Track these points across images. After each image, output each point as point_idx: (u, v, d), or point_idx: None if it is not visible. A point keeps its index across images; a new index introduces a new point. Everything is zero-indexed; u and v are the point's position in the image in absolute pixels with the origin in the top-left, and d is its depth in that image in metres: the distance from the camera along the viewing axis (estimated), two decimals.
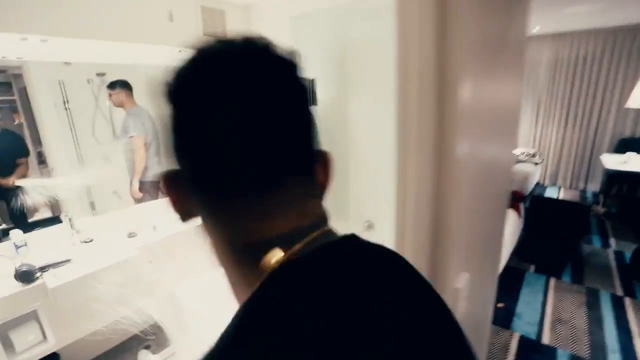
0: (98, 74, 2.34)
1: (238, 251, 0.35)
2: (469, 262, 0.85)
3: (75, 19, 1.46)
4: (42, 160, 2.06)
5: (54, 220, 1.99)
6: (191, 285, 2.09)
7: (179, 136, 0.34)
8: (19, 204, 1.85)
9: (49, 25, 1.37)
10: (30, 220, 1.94)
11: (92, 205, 2.31)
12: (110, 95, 2.33)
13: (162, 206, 2.33)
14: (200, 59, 0.33)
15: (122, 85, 2.37)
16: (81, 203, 2.24)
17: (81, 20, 1.46)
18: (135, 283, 1.77)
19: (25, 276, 1.43)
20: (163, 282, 1.98)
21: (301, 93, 0.35)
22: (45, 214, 2.03)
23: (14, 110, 1.90)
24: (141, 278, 1.77)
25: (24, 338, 1.44)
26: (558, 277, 2.81)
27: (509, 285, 2.71)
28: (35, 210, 1.96)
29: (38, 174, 1.98)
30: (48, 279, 1.48)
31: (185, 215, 0.40)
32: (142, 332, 2.14)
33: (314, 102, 1.39)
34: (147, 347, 2.03)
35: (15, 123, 1.92)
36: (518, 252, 3.09)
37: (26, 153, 1.93)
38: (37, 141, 1.99)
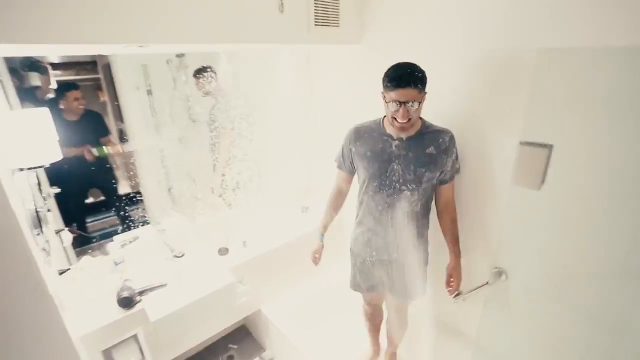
0: (177, 55, 2.14)
1: None
2: None
3: (175, 26, 1.19)
4: (123, 138, 2.01)
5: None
6: (276, 303, 2.02)
7: None
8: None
9: (149, 35, 1.13)
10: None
11: (172, 200, 2.24)
12: (197, 82, 2.15)
13: (247, 213, 2.20)
14: None
15: (208, 71, 2.16)
16: (160, 194, 2.18)
17: (181, 27, 1.19)
18: (227, 304, 1.70)
19: (127, 302, 1.37)
20: (252, 300, 1.91)
21: None
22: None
23: (99, 88, 1.91)
24: (234, 301, 1.69)
25: (126, 358, 1.44)
26: None
27: None
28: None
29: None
30: (147, 307, 1.41)
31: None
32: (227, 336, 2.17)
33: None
34: (230, 358, 2.04)
35: (100, 101, 1.94)
36: None
37: (107, 132, 1.95)
38: (119, 118, 1.96)
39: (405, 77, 1.14)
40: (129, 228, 1.89)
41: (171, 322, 1.42)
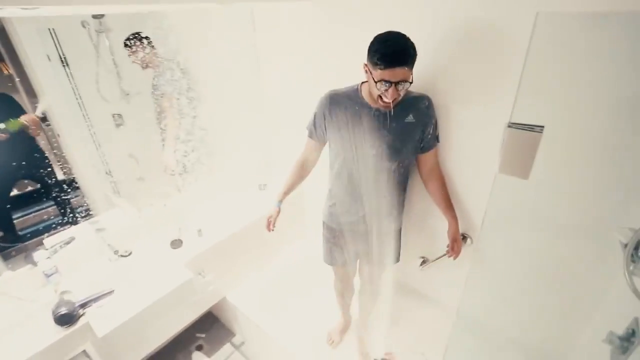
0: (94, 16, 1.80)
1: None
2: None
3: None
4: (43, 118, 1.73)
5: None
6: (241, 290, 1.93)
7: None
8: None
9: None
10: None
11: (115, 189, 2.00)
12: (130, 53, 1.84)
13: (201, 196, 2.02)
14: None
15: (142, 40, 1.85)
16: (99, 179, 1.94)
17: None
18: (188, 301, 1.58)
19: (66, 319, 1.20)
20: (214, 290, 1.80)
21: None
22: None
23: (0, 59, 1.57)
24: (195, 295, 1.57)
25: None
26: None
27: None
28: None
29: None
30: (93, 321, 1.25)
31: None
32: (193, 325, 2.06)
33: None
34: (199, 348, 1.96)
35: (5, 74, 1.61)
36: None
37: (21, 112, 1.65)
38: (32, 94, 1.67)
39: (399, 56, 1.01)
40: (67, 222, 1.68)
41: (124, 332, 1.28)
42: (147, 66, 1.93)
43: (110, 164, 1.97)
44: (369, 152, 1.26)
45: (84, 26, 1.77)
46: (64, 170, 1.84)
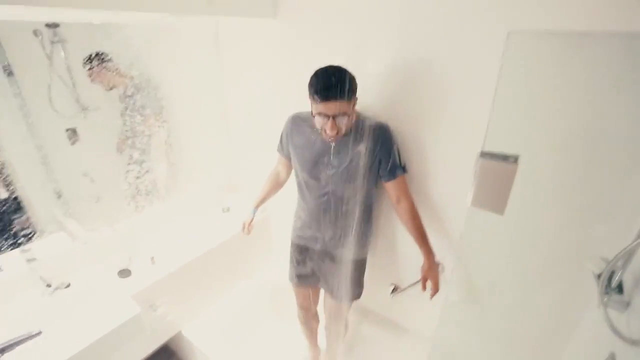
0: (48, 25, 1.68)
1: None
2: None
3: None
4: None
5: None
6: (198, 323, 1.76)
7: None
8: None
9: None
10: None
11: (67, 213, 1.81)
12: (90, 73, 1.74)
13: (156, 220, 1.86)
14: None
15: (103, 60, 1.76)
16: (48, 210, 1.76)
17: None
18: (135, 338, 1.40)
19: None
20: (168, 324, 1.63)
21: None
22: None
23: None
24: (141, 332, 1.39)
25: None
26: None
27: None
28: None
29: None
30: None
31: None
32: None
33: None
34: None
35: None
36: None
37: None
38: None
39: (333, 90, 1.02)
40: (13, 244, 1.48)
41: None
42: (112, 87, 1.83)
43: (62, 183, 1.80)
44: (320, 176, 1.27)
45: (36, 35, 1.65)
46: (8, 187, 1.66)
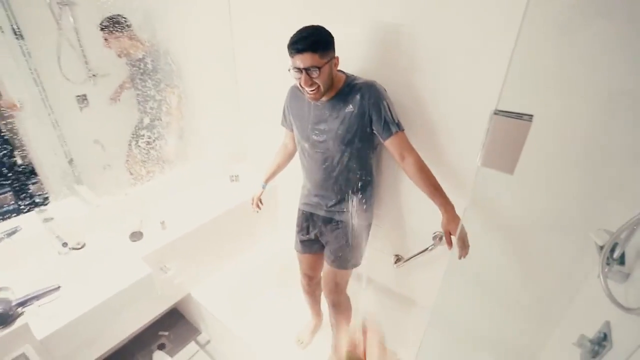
0: None
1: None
2: None
3: None
4: None
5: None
6: (207, 286, 1.83)
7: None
8: None
9: None
10: None
11: (78, 180, 1.85)
12: (106, 39, 1.71)
13: (166, 186, 1.90)
14: None
15: (120, 25, 1.73)
16: (61, 176, 1.80)
17: None
18: (146, 298, 1.47)
19: (1, 319, 1.09)
20: (177, 286, 1.70)
21: None
22: None
23: None
24: (154, 292, 1.46)
25: None
26: None
27: None
28: None
29: None
30: (32, 320, 1.13)
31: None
32: (157, 322, 1.96)
33: None
34: (161, 347, 1.85)
35: None
36: None
37: None
38: None
39: (301, 42, 1.07)
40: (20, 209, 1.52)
41: (69, 333, 1.16)
42: (126, 54, 1.81)
43: (73, 150, 1.83)
44: (316, 141, 1.31)
45: None
46: (22, 154, 1.70)
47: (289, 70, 1.14)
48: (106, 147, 1.96)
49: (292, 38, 1.10)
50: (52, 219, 1.32)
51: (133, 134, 1.93)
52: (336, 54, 1.16)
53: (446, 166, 1.32)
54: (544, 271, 1.20)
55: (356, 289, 1.83)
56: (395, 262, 1.66)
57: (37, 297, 1.17)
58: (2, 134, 1.56)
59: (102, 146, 1.96)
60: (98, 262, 1.41)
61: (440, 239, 1.46)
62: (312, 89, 1.14)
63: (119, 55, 1.82)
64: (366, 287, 1.87)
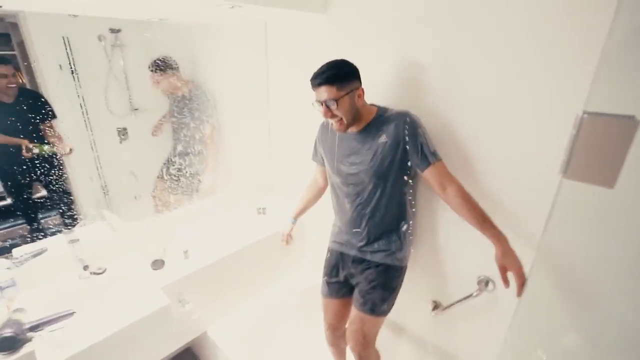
0: (112, 30, 1.81)
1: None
2: None
3: None
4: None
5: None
6: (225, 325, 1.71)
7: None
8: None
9: None
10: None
11: (109, 206, 1.89)
12: (155, 79, 1.84)
13: (192, 216, 1.88)
14: None
15: (170, 67, 1.88)
16: (94, 202, 1.84)
17: None
18: (160, 332, 1.38)
19: (8, 344, 1.00)
20: (194, 322, 1.60)
21: None
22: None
23: (16, 67, 1.55)
24: (170, 326, 1.37)
25: None
26: None
27: None
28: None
29: None
30: (42, 345, 1.05)
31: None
32: None
33: None
34: None
35: (20, 83, 1.57)
36: None
37: (51, 116, 1.59)
38: None
39: (319, 76, 1.12)
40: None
41: None
42: (172, 93, 1.94)
43: (108, 179, 1.89)
44: (348, 175, 1.27)
45: (100, 40, 1.79)
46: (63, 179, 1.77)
47: (312, 104, 1.17)
48: (139, 178, 2.02)
49: (313, 73, 1.14)
50: (77, 240, 1.30)
51: (165, 162, 1.98)
52: (362, 86, 1.17)
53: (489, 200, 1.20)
54: None
55: (387, 341, 1.64)
56: (433, 309, 1.48)
57: (49, 322, 1.12)
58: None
59: (135, 177, 2.02)
60: (116, 289, 1.35)
61: (487, 284, 1.30)
62: (335, 120, 1.16)
63: (165, 94, 1.93)
64: (399, 338, 1.67)
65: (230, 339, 1.62)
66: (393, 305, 1.36)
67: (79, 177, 1.77)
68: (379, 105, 1.25)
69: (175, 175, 1.90)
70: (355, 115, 1.17)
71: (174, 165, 1.89)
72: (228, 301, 1.73)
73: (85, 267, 1.31)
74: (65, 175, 1.67)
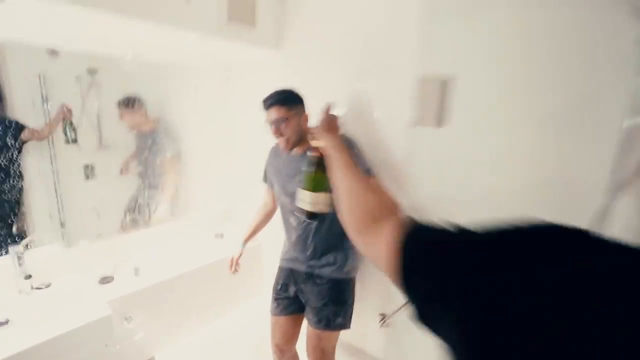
0: (89, 71, 1.96)
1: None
2: None
3: None
4: None
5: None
6: (173, 351, 1.64)
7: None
8: None
9: None
10: None
11: (62, 233, 1.86)
12: (122, 114, 1.96)
13: (146, 239, 1.89)
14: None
15: (137, 103, 2.03)
16: (49, 225, 1.82)
17: None
18: (106, 351, 1.32)
19: None
20: (142, 345, 1.52)
21: None
22: None
23: None
24: (114, 344, 1.31)
25: None
26: None
27: None
28: None
29: None
30: None
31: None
32: None
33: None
34: None
35: None
36: None
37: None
38: None
39: (269, 99, 1.27)
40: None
41: None
42: (137, 129, 2.06)
43: (68, 215, 1.89)
44: (294, 193, 1.32)
45: (77, 80, 1.94)
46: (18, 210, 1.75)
47: (264, 123, 1.31)
48: (102, 216, 2.02)
49: (265, 97, 1.30)
50: (23, 253, 1.29)
51: (130, 201, 2.03)
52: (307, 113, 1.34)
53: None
54: None
55: None
56: (380, 322, 1.51)
57: None
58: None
59: (98, 215, 2.02)
60: (60, 302, 1.32)
61: None
62: (282, 138, 1.29)
63: (132, 129, 2.05)
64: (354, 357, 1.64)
65: None
66: (350, 317, 1.40)
67: (38, 212, 1.77)
68: None
69: (139, 209, 1.94)
70: (301, 137, 1.31)
71: (138, 201, 1.95)
72: (179, 326, 1.68)
73: (28, 277, 1.29)
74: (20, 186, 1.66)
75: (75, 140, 1.74)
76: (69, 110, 1.67)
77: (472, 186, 1.18)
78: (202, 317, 1.78)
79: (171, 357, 1.59)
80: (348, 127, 1.46)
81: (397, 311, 1.40)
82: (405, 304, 1.40)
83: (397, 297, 1.47)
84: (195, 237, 2.03)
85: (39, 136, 1.62)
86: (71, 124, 1.71)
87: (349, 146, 1.31)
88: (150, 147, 2.05)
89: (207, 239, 2.03)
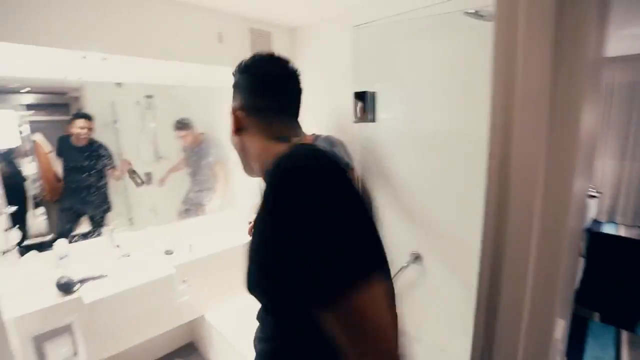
0: (146, 96, 2.39)
1: (273, 139, 0.71)
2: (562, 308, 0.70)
3: (132, 37, 1.63)
4: None
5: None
6: (220, 310, 2.01)
7: (254, 89, 0.75)
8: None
9: (108, 43, 1.50)
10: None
11: (131, 221, 2.33)
12: (182, 136, 2.40)
13: (199, 225, 2.33)
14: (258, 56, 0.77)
15: (189, 125, 2.45)
16: (120, 218, 2.29)
17: (137, 39, 1.62)
18: (169, 303, 1.73)
19: (65, 287, 1.45)
20: (195, 304, 1.92)
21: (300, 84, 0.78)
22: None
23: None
24: (174, 298, 1.73)
25: (57, 351, 1.43)
26: (631, 330, 2.42)
27: (571, 335, 2.35)
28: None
29: None
30: (84, 293, 1.49)
31: (239, 130, 0.76)
32: (173, 352, 2.11)
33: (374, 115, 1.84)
34: None
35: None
36: (579, 296, 2.72)
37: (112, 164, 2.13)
38: None
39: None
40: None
41: (106, 306, 1.50)
42: (191, 145, 2.46)
43: (134, 213, 2.34)
44: None
45: (137, 104, 2.40)
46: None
47: None
48: (161, 209, 2.46)
49: None
50: (112, 231, 1.78)
51: (185, 196, 2.47)
52: None
53: None
54: None
55: None
56: None
57: (91, 279, 1.58)
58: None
59: (155, 213, 2.47)
60: (138, 265, 1.82)
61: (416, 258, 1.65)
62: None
63: (186, 146, 2.46)
64: None
65: (226, 323, 1.90)
66: None
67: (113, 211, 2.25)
68: (317, 135, 1.70)
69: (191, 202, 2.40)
70: None
71: (189, 196, 2.41)
72: (224, 292, 2.09)
73: (118, 246, 1.77)
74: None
75: (143, 183, 2.19)
76: (129, 163, 2.13)
77: (395, 155, 1.88)
78: (242, 286, 2.14)
79: (217, 316, 1.97)
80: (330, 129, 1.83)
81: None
82: (397, 271, 1.67)
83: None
84: (237, 223, 2.45)
85: (115, 177, 2.12)
86: (134, 172, 2.16)
87: (331, 145, 1.59)
88: (198, 155, 2.47)
89: (246, 225, 2.41)
